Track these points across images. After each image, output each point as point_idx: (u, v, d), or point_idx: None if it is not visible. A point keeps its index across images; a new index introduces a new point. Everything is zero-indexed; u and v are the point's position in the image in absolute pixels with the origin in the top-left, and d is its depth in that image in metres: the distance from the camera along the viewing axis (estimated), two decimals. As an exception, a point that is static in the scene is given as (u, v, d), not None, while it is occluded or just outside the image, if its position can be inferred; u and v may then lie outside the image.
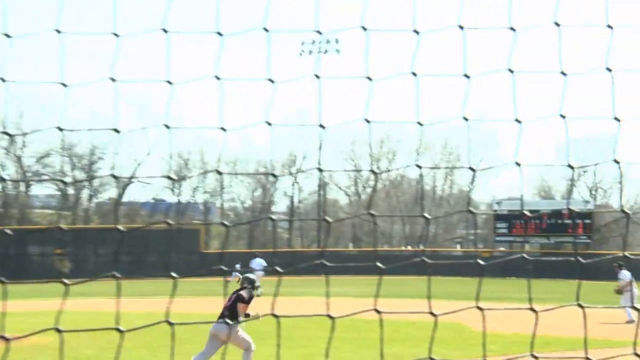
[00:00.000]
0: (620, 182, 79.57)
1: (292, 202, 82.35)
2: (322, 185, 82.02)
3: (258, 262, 35.21)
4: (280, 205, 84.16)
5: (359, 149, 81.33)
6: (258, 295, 11.99)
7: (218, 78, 3.02)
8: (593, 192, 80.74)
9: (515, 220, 65.52)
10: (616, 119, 2.93)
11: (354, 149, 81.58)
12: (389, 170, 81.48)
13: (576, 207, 65.31)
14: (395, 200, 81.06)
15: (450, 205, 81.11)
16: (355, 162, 79.72)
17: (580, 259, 3.82)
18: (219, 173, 3.28)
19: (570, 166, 2.96)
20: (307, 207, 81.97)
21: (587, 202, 68.81)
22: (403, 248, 77.88)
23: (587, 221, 64.03)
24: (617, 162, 3.03)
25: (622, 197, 79.89)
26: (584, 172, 79.98)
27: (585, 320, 3.42)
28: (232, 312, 11.34)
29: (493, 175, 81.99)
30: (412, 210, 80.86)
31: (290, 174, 79.21)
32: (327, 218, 2.83)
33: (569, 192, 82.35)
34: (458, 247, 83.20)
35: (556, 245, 67.62)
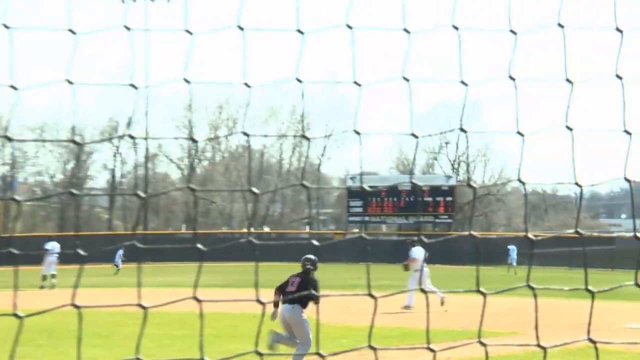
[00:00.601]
0: (467, 154, 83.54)
1: (113, 176, 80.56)
2: (150, 157, 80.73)
3: (52, 245, 34.07)
4: (99, 180, 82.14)
5: (195, 115, 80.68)
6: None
7: (7, 27, 2.92)
8: (455, 166, 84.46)
9: (371, 198, 67.22)
10: (463, 82, 3.11)
11: (187, 115, 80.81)
12: (214, 138, 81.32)
13: (437, 182, 67.73)
14: (236, 174, 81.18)
15: (298, 180, 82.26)
16: (190, 130, 79.02)
17: (424, 239, 3.98)
18: (8, 139, 3.17)
19: (413, 135, 3.11)
20: (132, 182, 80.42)
21: (448, 177, 71.61)
22: (244, 230, 78.30)
23: (449, 199, 66.66)
24: (463, 130, 3.21)
25: (468, 169, 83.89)
26: (446, 143, 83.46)
27: (428, 307, 3.63)
28: (301, 297, 11.95)
29: (347, 146, 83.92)
30: (256, 186, 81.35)
31: (110, 141, 77.37)
32: (140, 193, 2.82)
33: (429, 166, 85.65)
34: (307, 229, 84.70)
35: (416, 225, 70.05)
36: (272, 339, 12.35)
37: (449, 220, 67.84)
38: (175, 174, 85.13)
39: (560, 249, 53.29)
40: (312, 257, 12.65)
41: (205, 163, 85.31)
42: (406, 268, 22.52)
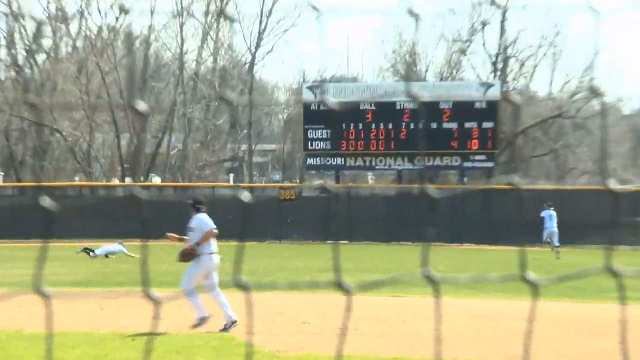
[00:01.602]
0: (518, 45, 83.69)
1: None
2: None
3: None
4: None
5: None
6: None
7: None
8: (499, 66, 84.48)
9: (346, 125, 66.25)
10: None
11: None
12: (60, 19, 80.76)
13: (466, 95, 67.52)
14: (99, 79, 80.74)
15: (213, 89, 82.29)
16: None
17: (430, 191, 3.88)
18: None
19: (411, 13, 3.22)
20: None
21: (487, 85, 71.31)
22: (116, 182, 78.44)
23: (488, 124, 66.39)
24: (495, 4, 3.31)
25: (520, 70, 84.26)
26: (483, 24, 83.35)
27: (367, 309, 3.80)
28: None
29: (302, 34, 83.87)
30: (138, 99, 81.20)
31: None
32: None
33: (453, 67, 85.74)
34: (230, 180, 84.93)
35: (430, 173, 69.96)
36: None
37: (489, 164, 67.65)
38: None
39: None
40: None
41: (41, 58, 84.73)
42: (192, 253, 21.78)
